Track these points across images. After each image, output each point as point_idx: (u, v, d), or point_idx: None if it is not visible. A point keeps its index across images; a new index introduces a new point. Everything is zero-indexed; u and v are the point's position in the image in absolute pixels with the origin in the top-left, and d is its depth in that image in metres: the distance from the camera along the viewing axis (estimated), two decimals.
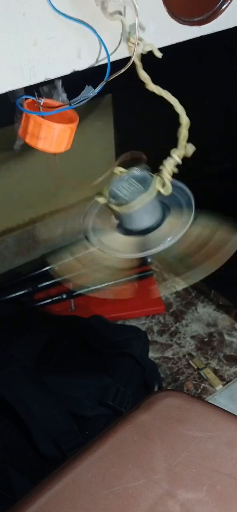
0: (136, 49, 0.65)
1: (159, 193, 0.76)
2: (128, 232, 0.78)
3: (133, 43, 0.65)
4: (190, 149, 0.73)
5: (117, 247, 0.77)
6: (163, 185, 0.75)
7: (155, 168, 0.76)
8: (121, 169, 0.78)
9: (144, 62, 0.68)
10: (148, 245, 0.76)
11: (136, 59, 0.66)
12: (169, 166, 0.74)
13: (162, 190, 0.75)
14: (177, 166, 0.74)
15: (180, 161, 0.73)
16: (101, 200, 0.78)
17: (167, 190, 0.75)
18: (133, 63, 0.66)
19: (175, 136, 0.73)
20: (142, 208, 0.75)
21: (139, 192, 0.76)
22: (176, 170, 0.74)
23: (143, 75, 0.68)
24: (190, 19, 0.65)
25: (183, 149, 0.73)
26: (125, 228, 0.78)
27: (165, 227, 0.77)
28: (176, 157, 0.73)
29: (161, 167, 0.74)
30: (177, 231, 0.76)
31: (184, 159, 0.74)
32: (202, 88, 1.34)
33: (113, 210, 0.77)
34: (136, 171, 0.77)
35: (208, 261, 0.79)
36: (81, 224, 0.79)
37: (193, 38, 0.73)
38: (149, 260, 1.48)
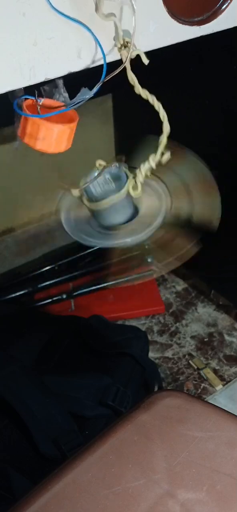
0: (127, 51, 0.65)
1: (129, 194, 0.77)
2: (100, 227, 0.79)
3: (121, 45, 0.65)
4: (166, 157, 0.75)
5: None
6: (134, 187, 0.77)
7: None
8: (101, 161, 0.79)
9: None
10: (113, 237, 0.78)
11: (125, 61, 0.66)
12: (144, 170, 0.75)
13: (132, 193, 0.77)
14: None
15: (154, 167, 0.75)
16: (75, 192, 0.79)
17: (137, 194, 0.77)
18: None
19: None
20: (111, 207, 0.77)
21: (111, 191, 0.77)
22: (149, 174, 0.76)
23: (131, 78, 0.68)
24: (190, 19, 0.65)
25: (160, 155, 0.74)
26: (98, 223, 0.80)
27: (131, 226, 0.79)
28: (152, 162, 0.75)
29: (137, 171, 0.76)
30: (140, 231, 0.78)
31: None
32: (202, 88, 1.34)
33: (84, 204, 0.79)
34: (114, 167, 0.78)
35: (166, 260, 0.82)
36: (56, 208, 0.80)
37: (193, 38, 0.73)
38: (149, 260, 1.48)
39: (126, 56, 0.65)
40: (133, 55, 0.67)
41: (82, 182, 0.79)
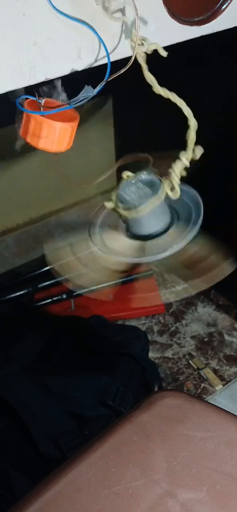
0: (137, 48, 0.64)
1: (167, 197, 0.75)
2: (135, 236, 0.77)
3: (138, 44, 0.64)
4: (199, 151, 0.72)
5: (118, 250, 0.77)
6: (172, 189, 0.74)
7: (160, 170, 0.76)
8: (129, 173, 0.77)
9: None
10: (149, 251, 0.76)
11: (141, 61, 0.66)
12: (177, 169, 0.73)
13: (170, 194, 0.74)
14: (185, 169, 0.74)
15: (188, 164, 0.72)
16: (109, 204, 0.77)
17: (175, 194, 0.74)
18: (139, 65, 0.66)
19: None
20: (150, 213, 0.74)
21: (147, 196, 0.74)
22: (184, 173, 0.73)
23: (149, 78, 0.67)
24: (190, 19, 0.65)
25: (191, 151, 0.72)
26: (132, 233, 0.77)
27: (169, 235, 0.76)
28: (184, 160, 0.72)
29: (169, 170, 0.73)
30: (178, 242, 0.76)
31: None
32: (202, 88, 1.34)
33: (121, 214, 0.76)
34: (144, 174, 0.76)
35: (199, 279, 0.79)
36: (88, 226, 0.79)
37: (193, 38, 0.73)
38: None
39: (134, 52, 0.64)
40: (150, 49, 0.66)
41: (114, 194, 0.76)
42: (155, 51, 0.67)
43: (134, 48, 0.64)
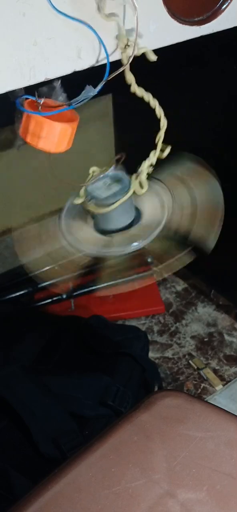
0: (130, 50, 0.65)
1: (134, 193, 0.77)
2: (103, 231, 0.78)
3: (125, 45, 0.65)
4: (166, 151, 0.75)
5: (85, 243, 0.78)
6: (140, 185, 0.76)
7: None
8: (95, 168, 0.78)
9: (144, 61, 0.68)
10: (114, 245, 0.77)
11: (125, 60, 0.66)
12: (146, 166, 0.75)
13: (139, 190, 0.76)
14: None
15: (154, 162, 0.75)
16: (77, 200, 0.78)
17: (144, 190, 0.76)
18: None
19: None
20: (119, 208, 0.76)
21: (116, 192, 0.76)
22: (150, 170, 0.76)
23: (129, 77, 0.68)
24: (190, 19, 0.65)
25: (159, 150, 0.74)
26: (101, 228, 0.78)
27: (134, 230, 0.78)
28: (152, 158, 0.75)
29: (139, 168, 0.75)
30: (144, 235, 0.77)
31: None
32: (202, 88, 1.34)
33: (89, 210, 0.77)
34: (111, 171, 0.78)
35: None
36: (57, 223, 0.80)
37: (193, 38, 0.73)
38: (149, 260, 1.47)
39: (129, 56, 0.65)
40: (139, 53, 0.66)
41: (82, 190, 0.78)
42: (156, 51, 0.67)
43: (124, 51, 0.65)
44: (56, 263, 0.79)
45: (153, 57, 0.67)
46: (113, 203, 0.75)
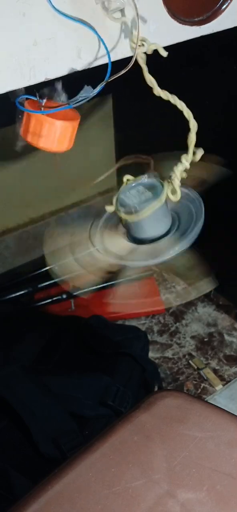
0: (138, 50, 0.64)
1: (168, 200, 0.74)
2: (136, 240, 0.76)
3: (138, 44, 0.64)
4: (199, 153, 0.72)
5: (117, 252, 0.76)
6: (173, 191, 0.74)
7: (160, 171, 0.75)
8: (129, 176, 0.76)
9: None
10: (153, 254, 0.75)
11: (141, 63, 0.66)
12: (178, 171, 0.72)
13: (172, 197, 0.74)
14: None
15: (188, 166, 0.72)
16: (110, 208, 0.76)
17: (177, 197, 0.74)
18: (139, 66, 0.66)
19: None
20: (151, 216, 0.73)
21: (148, 200, 0.74)
22: (185, 175, 0.73)
23: (149, 79, 0.67)
24: (190, 19, 0.65)
25: (192, 154, 0.72)
26: (133, 237, 0.76)
27: (170, 239, 0.75)
28: (185, 162, 0.72)
29: (171, 173, 0.73)
30: (178, 245, 0.75)
31: None
32: (202, 88, 1.34)
33: (122, 218, 0.75)
34: (144, 178, 0.76)
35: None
36: (88, 231, 0.78)
37: (193, 38, 0.73)
38: None
39: (135, 52, 0.64)
40: (150, 50, 0.66)
41: (114, 198, 0.75)
42: (155, 51, 0.67)
43: (134, 49, 0.64)
44: (84, 268, 0.77)
45: (164, 53, 0.66)
46: (145, 211, 0.73)
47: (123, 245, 0.76)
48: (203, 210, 0.76)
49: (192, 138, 0.71)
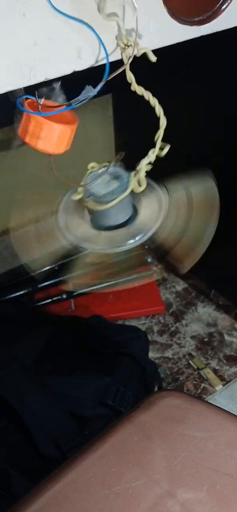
0: (130, 50, 0.65)
1: (132, 191, 0.77)
2: (100, 227, 0.78)
3: (125, 45, 0.65)
4: (165, 149, 0.75)
5: (81, 238, 0.78)
6: (139, 183, 0.76)
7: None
8: (94, 164, 0.79)
9: (145, 61, 0.68)
10: (119, 241, 0.77)
11: (125, 59, 0.67)
12: (144, 164, 0.75)
13: (137, 188, 0.76)
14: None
15: (153, 160, 0.75)
16: (75, 196, 0.78)
17: (142, 188, 0.76)
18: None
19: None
20: (116, 205, 0.76)
21: (114, 189, 0.76)
22: (149, 168, 0.76)
23: (129, 76, 0.69)
24: (190, 19, 0.65)
25: (158, 148, 0.74)
26: (98, 224, 0.78)
27: (131, 227, 0.78)
28: (152, 156, 0.74)
29: (138, 166, 0.75)
30: (147, 229, 0.77)
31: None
32: (202, 88, 1.34)
33: (87, 206, 0.77)
34: (110, 167, 0.78)
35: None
36: (54, 218, 0.81)
37: (193, 38, 0.73)
38: (149, 260, 1.48)
39: (129, 56, 0.65)
40: (139, 53, 0.67)
41: (81, 186, 0.78)
42: (156, 51, 0.67)
43: (125, 50, 0.65)
44: (57, 262, 0.79)
45: (153, 58, 0.67)
46: (111, 200, 0.75)
47: (88, 232, 0.78)
48: (165, 204, 0.79)
49: (159, 134, 0.73)
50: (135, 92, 0.70)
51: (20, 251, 0.83)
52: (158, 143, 0.74)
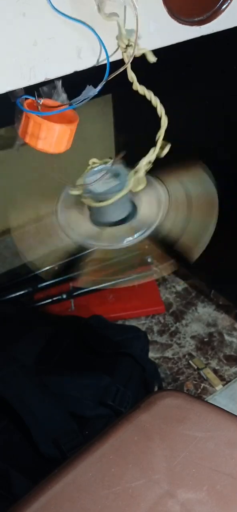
0: (131, 50, 0.65)
1: (132, 189, 0.77)
2: (99, 224, 0.79)
3: (127, 45, 0.65)
4: (166, 148, 0.75)
5: (80, 233, 0.78)
6: (138, 182, 0.76)
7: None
8: (95, 160, 0.79)
9: (144, 61, 0.68)
10: (108, 238, 0.78)
11: (126, 59, 0.67)
12: (144, 163, 0.75)
13: (136, 187, 0.76)
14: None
15: (153, 159, 0.75)
16: (74, 192, 0.78)
17: (141, 187, 0.77)
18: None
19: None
20: (115, 203, 0.76)
21: (113, 187, 0.76)
22: (149, 167, 0.76)
23: (131, 75, 0.69)
24: (190, 19, 0.65)
25: (158, 148, 0.74)
26: (96, 220, 0.79)
27: (130, 225, 0.78)
28: (152, 155, 0.75)
29: (138, 164, 0.75)
30: (146, 226, 0.77)
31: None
32: (202, 88, 1.34)
33: (85, 202, 0.78)
34: (110, 164, 0.78)
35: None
36: (54, 214, 0.81)
37: (193, 38, 0.73)
38: (149, 260, 1.48)
39: (130, 56, 0.65)
40: (139, 54, 0.67)
41: (79, 181, 0.79)
42: (156, 50, 0.67)
43: (125, 50, 0.65)
44: (61, 260, 0.79)
45: (152, 59, 0.67)
46: (110, 198, 0.75)
47: (86, 227, 0.78)
48: (164, 201, 0.79)
49: (161, 133, 0.74)
50: (135, 92, 0.70)
51: (22, 250, 0.83)
52: (159, 143, 0.74)
